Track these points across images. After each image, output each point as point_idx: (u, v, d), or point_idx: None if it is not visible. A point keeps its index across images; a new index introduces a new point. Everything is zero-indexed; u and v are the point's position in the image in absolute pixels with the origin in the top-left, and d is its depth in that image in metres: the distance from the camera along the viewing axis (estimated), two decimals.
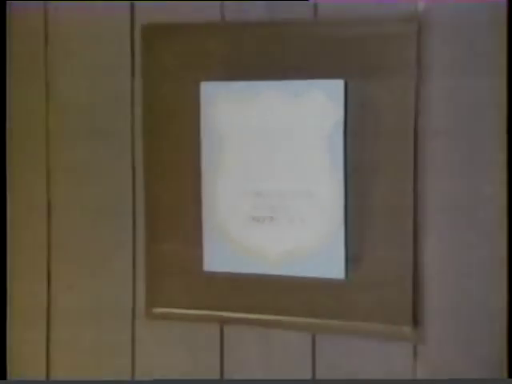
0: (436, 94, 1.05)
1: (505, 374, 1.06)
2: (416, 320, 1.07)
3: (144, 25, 1.17)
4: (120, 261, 1.21)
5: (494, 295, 1.04)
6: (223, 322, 1.16)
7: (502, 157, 1.02)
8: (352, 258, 1.08)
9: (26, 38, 1.24)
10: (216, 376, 1.17)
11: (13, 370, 1.28)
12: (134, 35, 1.18)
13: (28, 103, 1.24)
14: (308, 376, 1.13)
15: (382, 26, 1.06)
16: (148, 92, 1.17)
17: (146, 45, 1.17)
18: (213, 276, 1.14)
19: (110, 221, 1.21)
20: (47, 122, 1.24)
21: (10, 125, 1.25)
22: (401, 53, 1.05)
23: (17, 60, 1.25)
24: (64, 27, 1.22)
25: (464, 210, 1.05)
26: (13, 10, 1.23)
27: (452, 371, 1.07)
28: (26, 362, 1.28)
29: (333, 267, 1.09)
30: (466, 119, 1.04)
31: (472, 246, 1.05)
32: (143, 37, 1.17)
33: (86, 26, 1.21)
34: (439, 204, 1.06)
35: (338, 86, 1.07)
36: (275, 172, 1.10)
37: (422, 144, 1.05)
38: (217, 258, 1.13)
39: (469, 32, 1.03)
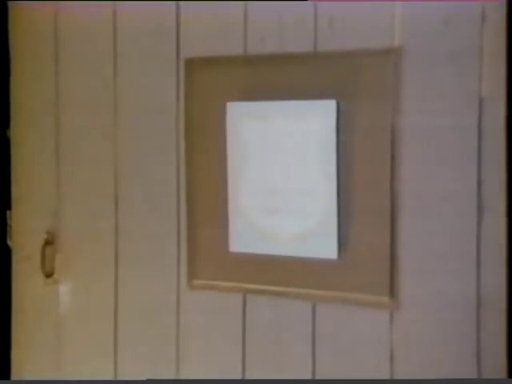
0: (409, 114, 1.30)
1: (504, 373, 1.27)
2: (392, 292, 1.32)
3: (186, 58, 1.47)
4: (168, 243, 1.51)
5: (462, 269, 1.27)
6: (245, 291, 1.44)
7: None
8: (343, 243, 1.35)
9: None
10: (239, 333, 1.45)
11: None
12: (179, 66, 1.48)
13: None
14: (309, 334, 1.39)
15: (366, 57, 1.31)
16: (189, 111, 1.47)
17: (187, 74, 1.47)
18: (236, 255, 1.43)
19: (162, 212, 1.52)
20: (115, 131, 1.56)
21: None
22: (381, 78, 1.31)
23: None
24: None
25: (432, 199, 1.29)
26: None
27: (422, 333, 1.31)
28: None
29: (327, 249, 1.35)
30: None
31: (438, 233, 1.29)
32: (185, 67, 1.48)
33: (143, 58, 1.53)
34: (413, 203, 1.30)
35: (331, 105, 1.34)
36: (283, 174, 1.37)
37: (398, 149, 1.30)
38: (239, 242, 1.42)
39: (438, 62, 1.27)
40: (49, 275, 1.66)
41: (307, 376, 1.40)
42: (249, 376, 1.45)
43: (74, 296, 1.63)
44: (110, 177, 1.57)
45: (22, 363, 1.72)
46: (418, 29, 1.29)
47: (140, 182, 1.55)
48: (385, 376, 1.34)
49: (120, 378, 1.59)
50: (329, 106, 1.34)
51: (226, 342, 1.47)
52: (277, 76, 1.39)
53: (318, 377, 1.39)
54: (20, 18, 1.67)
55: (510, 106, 1.24)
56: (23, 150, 1.68)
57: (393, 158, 1.31)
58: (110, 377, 1.60)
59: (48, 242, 1.66)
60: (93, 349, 1.62)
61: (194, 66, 1.47)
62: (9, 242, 1.74)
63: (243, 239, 1.42)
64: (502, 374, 1.26)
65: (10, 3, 1.69)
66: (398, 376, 1.33)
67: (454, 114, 1.27)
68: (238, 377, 1.46)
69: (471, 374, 1.27)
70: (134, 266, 1.56)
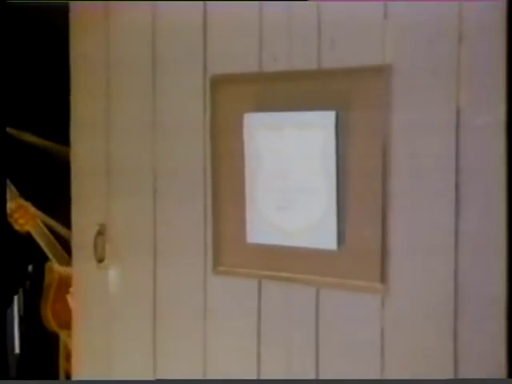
0: (398, 121, 1.48)
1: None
2: (383, 279, 1.51)
3: (212, 75, 1.72)
4: (196, 234, 1.75)
5: (445, 256, 1.43)
6: (260, 277, 1.66)
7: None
8: (341, 236, 1.55)
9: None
10: (254, 314, 1.67)
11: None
12: (206, 83, 1.73)
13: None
14: (313, 315, 1.60)
15: (362, 73, 1.51)
16: (213, 120, 1.71)
17: (212, 89, 1.71)
18: (253, 246, 1.66)
19: (192, 208, 1.77)
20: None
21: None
22: (374, 91, 1.50)
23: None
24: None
25: (419, 198, 1.47)
26: None
27: (411, 316, 1.49)
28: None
29: (328, 241, 1.56)
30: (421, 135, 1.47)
31: (425, 228, 1.47)
32: (211, 83, 1.72)
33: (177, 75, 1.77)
34: (401, 202, 1.49)
35: (331, 115, 1.54)
36: (291, 176, 1.59)
37: (389, 153, 1.49)
38: (255, 234, 1.65)
39: (422, 76, 1.45)
40: (100, 261, 1.94)
41: (311, 346, 1.61)
42: (263, 346, 1.68)
43: (121, 278, 1.91)
44: (149, 177, 1.83)
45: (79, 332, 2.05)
46: (405, 48, 1.47)
47: (174, 181, 1.80)
48: (376, 348, 1.53)
49: (158, 348, 1.85)
50: (329, 117, 1.54)
51: (243, 321, 1.70)
52: (286, 90, 1.61)
53: (321, 348, 1.60)
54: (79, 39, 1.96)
55: (509, 110, 1.38)
56: (80, 156, 1.98)
57: (384, 163, 1.49)
58: (149, 346, 1.86)
59: (100, 233, 1.94)
60: (136, 323, 1.90)
61: (218, 82, 1.70)
62: None
63: (258, 232, 1.65)
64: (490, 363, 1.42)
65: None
66: (388, 347, 1.52)
67: (434, 121, 1.44)
68: (254, 348, 1.68)
69: (449, 351, 1.45)
70: (169, 254, 1.82)
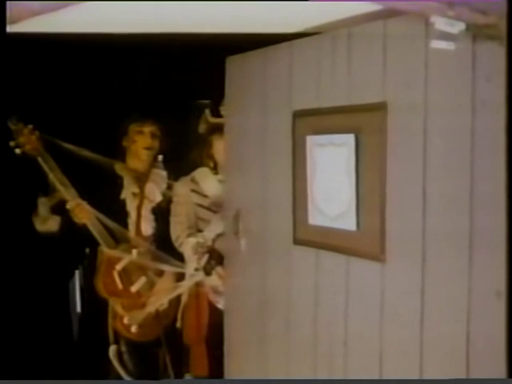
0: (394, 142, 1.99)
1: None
2: (382, 252, 2.01)
3: (294, 110, 2.32)
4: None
5: (440, 227, 1.86)
6: (318, 247, 2.28)
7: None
8: (359, 221, 2.11)
9: None
10: (313, 278, 2.31)
11: None
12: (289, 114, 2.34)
13: None
14: (343, 278, 2.18)
15: (370, 108, 2.03)
16: (293, 139, 2.33)
17: (294, 119, 2.34)
18: (312, 226, 2.28)
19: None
20: None
21: None
22: (378, 121, 2.01)
23: None
24: None
25: (407, 196, 1.95)
26: None
27: (408, 282, 1.96)
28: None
29: (351, 224, 2.15)
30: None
31: (416, 215, 1.93)
32: (293, 116, 2.33)
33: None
34: (397, 199, 1.97)
35: (352, 137, 2.12)
36: (331, 178, 2.19)
37: (389, 163, 1.99)
38: (312, 218, 2.28)
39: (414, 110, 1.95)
40: (236, 233, 2.66)
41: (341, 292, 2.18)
42: (321, 295, 2.29)
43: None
44: None
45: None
46: (399, 87, 1.98)
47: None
48: (376, 301, 2.05)
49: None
50: (351, 138, 2.12)
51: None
52: (329, 120, 2.21)
53: (351, 292, 2.16)
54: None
55: (509, 109, 1.59)
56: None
57: (384, 171, 2.00)
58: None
59: (237, 215, 2.65)
60: None
61: (296, 115, 2.33)
62: None
63: (313, 217, 2.28)
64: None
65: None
66: (386, 303, 2.03)
67: (426, 143, 1.90)
68: (312, 298, 2.31)
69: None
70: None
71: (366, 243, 2.07)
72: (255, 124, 2.56)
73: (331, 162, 2.18)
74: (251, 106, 2.58)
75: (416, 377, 1.92)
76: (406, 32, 1.88)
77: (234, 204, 2.72)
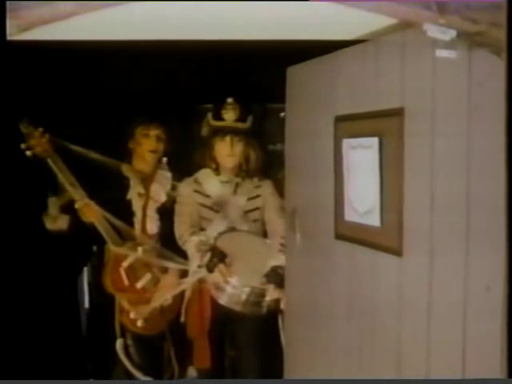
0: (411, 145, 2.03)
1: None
2: (400, 245, 2.05)
3: (336, 115, 2.39)
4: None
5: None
6: (352, 242, 2.32)
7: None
8: (382, 218, 2.15)
9: None
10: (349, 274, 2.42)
11: None
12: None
13: None
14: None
15: (389, 114, 2.09)
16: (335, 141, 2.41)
17: (335, 124, 2.42)
18: (347, 221, 2.33)
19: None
20: None
21: None
22: (396, 126, 2.06)
23: None
24: None
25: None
26: None
27: (417, 272, 2.00)
28: None
29: (376, 221, 2.20)
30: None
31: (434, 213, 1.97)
32: (335, 120, 2.41)
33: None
34: (413, 198, 2.02)
35: (376, 140, 2.17)
36: (361, 177, 2.25)
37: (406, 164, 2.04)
38: (348, 214, 2.33)
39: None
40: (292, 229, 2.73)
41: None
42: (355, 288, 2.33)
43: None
44: None
45: None
46: (414, 95, 2.02)
47: None
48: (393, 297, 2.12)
49: None
50: (375, 141, 2.18)
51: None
52: (359, 124, 2.28)
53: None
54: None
55: (509, 107, 1.59)
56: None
57: (402, 173, 2.05)
58: None
59: (294, 212, 2.74)
60: None
61: (337, 120, 2.40)
62: None
63: (348, 213, 2.34)
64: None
65: None
66: (404, 293, 2.08)
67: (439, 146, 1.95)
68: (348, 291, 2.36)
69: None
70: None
71: (387, 238, 2.14)
72: (307, 129, 2.68)
73: (361, 163, 2.27)
74: (304, 111, 2.71)
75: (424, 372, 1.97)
76: (422, 41, 1.87)
77: (291, 202, 2.84)
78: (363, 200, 2.27)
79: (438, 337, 1.94)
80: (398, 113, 2.07)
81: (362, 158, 2.26)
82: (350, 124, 2.36)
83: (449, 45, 1.68)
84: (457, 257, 1.86)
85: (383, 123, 2.17)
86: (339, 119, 2.42)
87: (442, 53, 1.72)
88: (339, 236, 2.44)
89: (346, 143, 2.35)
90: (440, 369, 1.92)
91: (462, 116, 1.82)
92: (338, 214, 2.43)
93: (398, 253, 2.09)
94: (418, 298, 2.01)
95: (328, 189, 2.50)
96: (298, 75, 2.80)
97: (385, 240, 2.17)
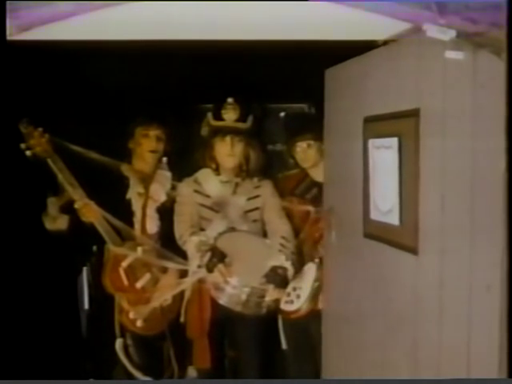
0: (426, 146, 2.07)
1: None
2: (416, 243, 2.10)
3: (365, 116, 2.46)
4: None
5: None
6: (377, 240, 2.38)
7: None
8: (401, 217, 2.21)
9: None
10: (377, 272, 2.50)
11: None
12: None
13: None
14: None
15: (406, 115, 2.15)
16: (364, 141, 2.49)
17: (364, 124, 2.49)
18: (372, 220, 2.41)
19: None
20: None
21: None
22: (413, 126, 2.11)
23: None
24: None
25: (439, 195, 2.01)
26: None
27: (432, 270, 2.04)
28: None
29: (395, 219, 2.25)
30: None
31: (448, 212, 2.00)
32: (364, 121, 2.48)
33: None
34: (427, 198, 2.07)
35: (395, 141, 2.23)
36: (384, 176, 2.31)
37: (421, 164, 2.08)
38: (372, 213, 2.40)
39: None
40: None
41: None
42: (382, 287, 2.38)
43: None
44: None
45: None
46: (428, 96, 2.06)
47: None
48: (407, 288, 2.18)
49: None
50: (395, 141, 2.24)
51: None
52: (382, 125, 2.35)
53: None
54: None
55: (510, 108, 1.63)
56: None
57: (419, 173, 2.11)
58: None
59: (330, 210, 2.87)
60: None
61: (365, 121, 2.48)
62: None
63: (373, 212, 2.42)
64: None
65: None
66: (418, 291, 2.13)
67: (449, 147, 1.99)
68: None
69: None
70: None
71: (405, 237, 2.19)
72: (342, 129, 2.77)
73: (383, 163, 2.35)
74: (340, 111, 2.80)
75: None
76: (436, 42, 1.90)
77: (328, 201, 2.92)
78: (385, 199, 2.35)
79: (448, 335, 1.97)
80: (414, 114, 2.13)
81: (383, 157, 2.35)
82: (375, 125, 2.44)
83: (456, 46, 1.69)
84: (464, 256, 1.89)
85: (402, 124, 2.23)
86: (367, 120, 2.50)
87: (450, 54, 1.72)
88: (367, 234, 2.52)
89: (372, 143, 2.44)
90: (449, 367, 1.96)
91: (469, 117, 1.85)
92: (366, 213, 2.50)
93: (414, 251, 2.15)
94: (430, 297, 2.05)
95: (359, 188, 2.56)
96: (335, 76, 2.87)
97: (403, 239, 2.24)
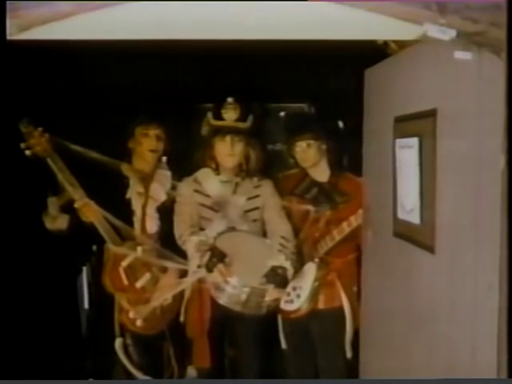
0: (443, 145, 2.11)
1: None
2: (433, 241, 2.14)
3: (395, 116, 2.50)
4: None
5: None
6: (403, 239, 2.45)
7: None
8: (421, 216, 2.25)
9: None
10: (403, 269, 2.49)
11: None
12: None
13: None
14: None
15: (424, 115, 2.22)
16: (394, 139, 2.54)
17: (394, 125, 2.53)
18: (398, 219, 2.47)
19: None
20: None
21: None
22: (430, 126, 2.15)
23: None
24: None
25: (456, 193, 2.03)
26: None
27: (452, 265, 2.07)
28: None
29: (416, 218, 2.30)
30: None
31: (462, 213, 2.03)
32: (394, 121, 2.53)
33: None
34: (443, 199, 2.10)
35: (416, 141, 2.28)
36: (407, 175, 2.37)
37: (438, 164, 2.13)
38: (399, 212, 2.46)
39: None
40: None
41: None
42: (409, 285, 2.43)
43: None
44: None
45: None
46: (446, 96, 2.09)
47: None
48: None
49: None
50: (416, 141, 2.30)
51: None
52: (406, 125, 2.42)
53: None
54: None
55: (509, 107, 1.69)
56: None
57: (434, 171, 2.16)
58: None
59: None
60: None
61: (395, 121, 2.53)
62: None
63: (399, 211, 2.47)
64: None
65: None
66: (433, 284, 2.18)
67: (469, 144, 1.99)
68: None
69: None
70: None
71: (425, 236, 2.23)
72: (377, 129, 2.81)
73: (407, 162, 2.41)
74: (377, 112, 2.86)
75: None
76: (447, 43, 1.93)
77: (366, 201, 3.02)
78: (409, 198, 2.40)
79: (457, 334, 2.01)
80: (431, 114, 2.17)
81: (407, 157, 2.41)
82: (402, 125, 2.50)
83: (465, 47, 1.72)
84: (469, 255, 1.94)
85: (422, 124, 2.28)
86: (397, 120, 2.55)
87: (459, 54, 1.74)
88: (396, 233, 2.57)
89: (398, 143, 2.51)
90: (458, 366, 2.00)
91: (474, 117, 1.89)
92: (395, 212, 2.56)
93: (431, 250, 2.20)
94: (443, 297, 2.11)
95: (389, 187, 2.62)
96: (373, 76, 2.91)
97: (423, 237, 2.29)
